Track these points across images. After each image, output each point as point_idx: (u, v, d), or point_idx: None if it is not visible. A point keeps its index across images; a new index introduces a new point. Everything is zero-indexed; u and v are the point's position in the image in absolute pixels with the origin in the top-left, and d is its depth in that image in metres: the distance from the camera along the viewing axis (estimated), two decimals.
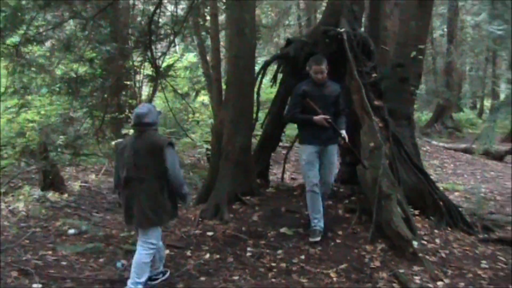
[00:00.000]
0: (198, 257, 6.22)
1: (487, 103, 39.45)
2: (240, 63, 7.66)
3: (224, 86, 8.16)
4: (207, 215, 7.33)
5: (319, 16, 15.89)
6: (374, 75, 7.60)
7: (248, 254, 6.25)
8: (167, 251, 6.29)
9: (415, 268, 5.70)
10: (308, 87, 6.52)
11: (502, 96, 39.17)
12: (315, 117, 6.28)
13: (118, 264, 6.08)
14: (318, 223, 6.50)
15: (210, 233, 6.83)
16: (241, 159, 7.68)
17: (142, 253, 5.15)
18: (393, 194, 6.46)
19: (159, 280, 5.58)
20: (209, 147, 11.78)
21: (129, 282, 5.14)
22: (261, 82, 8.50)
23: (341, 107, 6.68)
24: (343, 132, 6.48)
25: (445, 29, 27.36)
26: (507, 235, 7.23)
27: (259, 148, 8.57)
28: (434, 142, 19.60)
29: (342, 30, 7.57)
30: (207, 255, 6.21)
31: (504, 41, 33.15)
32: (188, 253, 6.34)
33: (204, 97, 16.44)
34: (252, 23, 7.72)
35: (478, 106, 39.75)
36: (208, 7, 9.90)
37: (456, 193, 10.57)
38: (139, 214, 5.10)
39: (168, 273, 5.72)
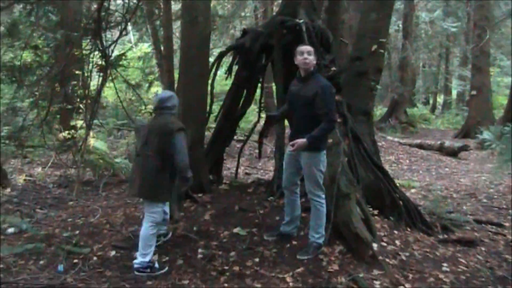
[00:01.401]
0: None
1: (439, 98, 40.07)
2: (193, 53, 7.23)
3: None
4: None
5: (276, 9, 15.61)
6: (332, 68, 7.30)
7: (199, 256, 5.85)
8: (113, 252, 5.95)
9: (375, 272, 5.44)
10: (292, 83, 5.88)
11: (454, 92, 39.89)
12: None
13: (60, 267, 5.66)
14: (282, 225, 6.19)
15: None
16: (192, 153, 7.24)
17: (145, 226, 5.60)
18: (352, 193, 6.20)
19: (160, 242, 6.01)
20: None
21: (137, 254, 5.59)
22: (215, 73, 8.13)
23: (320, 111, 5.48)
24: (300, 140, 5.44)
25: (400, 25, 27.45)
26: (466, 235, 7.11)
27: (212, 142, 8.18)
28: (389, 137, 19.64)
29: (301, 21, 7.28)
30: (155, 257, 5.80)
31: (457, 37, 33.63)
32: (135, 254, 5.92)
33: (157, 88, 15.97)
34: (207, 12, 7.30)
35: (430, 101, 40.29)
36: None
37: (412, 190, 10.44)
38: (139, 186, 5.57)
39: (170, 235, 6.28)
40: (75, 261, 5.89)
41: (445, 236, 7.02)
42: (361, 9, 7.78)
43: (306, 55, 5.60)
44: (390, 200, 6.94)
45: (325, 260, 5.69)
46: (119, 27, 8.39)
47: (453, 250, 6.51)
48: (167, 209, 6.05)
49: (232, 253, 5.89)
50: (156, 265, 5.59)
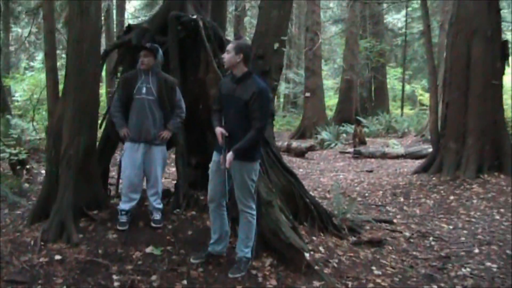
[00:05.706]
0: None
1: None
2: (83, 49, 6.26)
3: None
4: (50, 236, 5.78)
5: None
6: None
7: (116, 284, 5.00)
8: None
9: (315, 283, 5.13)
10: (224, 83, 5.31)
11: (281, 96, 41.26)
12: (217, 128, 5.11)
13: None
14: (211, 244, 5.48)
15: (59, 260, 5.34)
16: (85, 164, 6.33)
17: None
18: (273, 200, 5.82)
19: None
20: (12, 151, 10.23)
21: None
22: (100, 73, 7.25)
23: (253, 116, 4.95)
24: (228, 156, 4.92)
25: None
26: (374, 236, 7.08)
27: (101, 150, 7.19)
28: None
29: (195, 16, 6.76)
30: None
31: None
32: None
33: None
34: (98, 2, 6.44)
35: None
36: None
37: None
38: None
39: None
40: None
41: (354, 238, 6.91)
42: (260, 6, 7.37)
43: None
44: (302, 205, 6.67)
45: (259, 275, 5.24)
46: None
47: (370, 252, 6.41)
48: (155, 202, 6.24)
49: (154, 277, 5.14)
50: None
